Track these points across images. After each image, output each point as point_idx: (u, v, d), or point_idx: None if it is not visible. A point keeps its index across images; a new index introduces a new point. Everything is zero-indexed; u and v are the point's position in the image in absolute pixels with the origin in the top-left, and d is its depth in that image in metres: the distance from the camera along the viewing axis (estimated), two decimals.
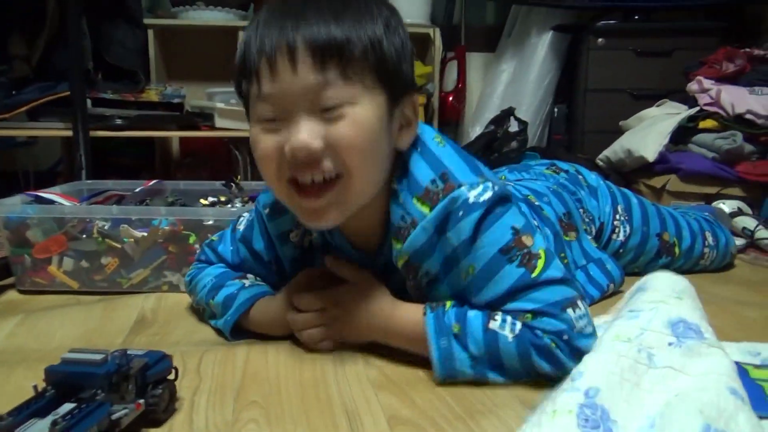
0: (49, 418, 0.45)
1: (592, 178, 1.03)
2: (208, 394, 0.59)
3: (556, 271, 0.61)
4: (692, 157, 1.61)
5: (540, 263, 0.61)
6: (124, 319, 0.83)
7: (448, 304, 0.64)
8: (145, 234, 0.94)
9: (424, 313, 0.63)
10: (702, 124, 1.66)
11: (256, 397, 0.59)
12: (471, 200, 0.61)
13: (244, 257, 0.79)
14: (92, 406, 0.47)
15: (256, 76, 0.59)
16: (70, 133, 1.58)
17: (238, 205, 1.13)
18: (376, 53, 0.59)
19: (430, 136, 0.68)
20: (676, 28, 2.09)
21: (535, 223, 0.78)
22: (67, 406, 0.47)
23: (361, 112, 0.58)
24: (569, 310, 0.59)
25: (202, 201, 1.15)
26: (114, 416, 0.48)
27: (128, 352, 0.54)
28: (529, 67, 2.29)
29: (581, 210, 0.95)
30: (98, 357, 0.51)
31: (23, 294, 0.95)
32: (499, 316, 0.61)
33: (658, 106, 1.87)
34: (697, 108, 1.68)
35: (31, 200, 1.02)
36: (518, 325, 0.59)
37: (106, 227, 0.94)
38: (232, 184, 1.21)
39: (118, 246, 0.94)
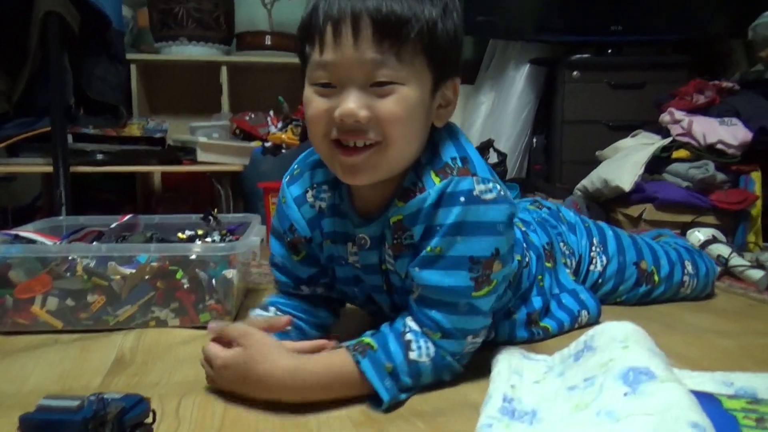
0: None
1: (570, 215, 1.07)
2: (188, 430, 0.59)
3: (488, 303, 0.69)
4: (667, 186, 1.65)
5: (486, 290, 0.68)
6: (102, 359, 0.82)
7: (368, 341, 0.67)
8: (133, 271, 0.94)
9: (357, 361, 0.64)
10: (675, 154, 1.71)
11: None
12: (475, 192, 0.66)
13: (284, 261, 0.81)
14: None
15: (319, 41, 0.63)
16: (50, 169, 1.57)
17: (217, 238, 1.14)
18: (431, 36, 0.63)
19: (461, 132, 0.74)
20: (648, 62, 2.16)
21: (524, 245, 0.86)
22: None
23: (407, 92, 0.63)
24: (469, 337, 0.69)
25: (180, 235, 1.15)
26: None
27: (105, 397, 0.53)
28: (507, 99, 2.34)
29: (562, 243, 0.99)
30: (74, 403, 0.50)
31: (1, 335, 0.93)
32: (413, 342, 0.67)
33: (632, 136, 1.92)
34: (670, 138, 1.73)
35: (10, 239, 1.01)
36: (431, 348, 0.67)
37: (91, 265, 0.93)
38: (210, 217, 1.21)
39: (105, 283, 0.94)
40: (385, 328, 0.70)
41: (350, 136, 0.64)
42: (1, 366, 0.80)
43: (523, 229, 0.92)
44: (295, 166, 0.81)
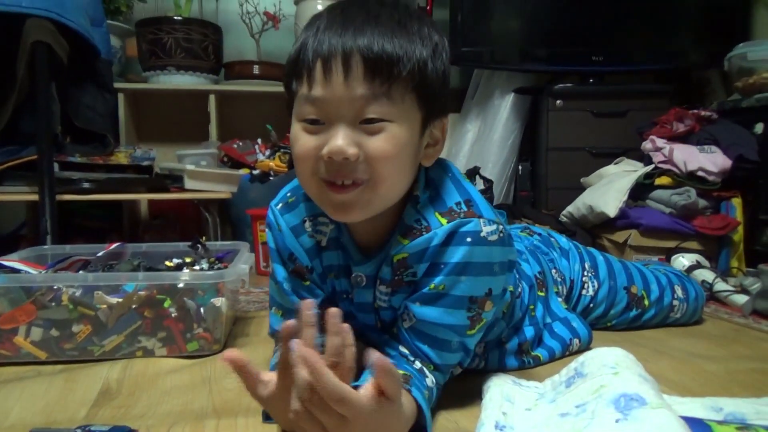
0: None
1: (563, 241, 1.08)
2: None
3: (475, 341, 0.72)
4: (651, 212, 1.68)
5: (477, 327, 0.70)
6: (87, 390, 0.80)
7: (401, 372, 0.65)
8: (120, 300, 0.93)
9: (408, 390, 0.61)
10: (658, 181, 1.74)
11: None
12: (482, 234, 0.66)
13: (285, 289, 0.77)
14: None
15: (308, 77, 0.62)
16: (35, 197, 1.56)
17: (205, 266, 1.13)
18: (421, 76, 0.63)
19: (457, 171, 0.74)
20: (629, 91, 2.21)
21: (517, 276, 0.87)
22: None
23: (397, 130, 0.62)
24: (453, 370, 0.73)
25: (168, 263, 1.14)
26: None
27: (92, 429, 0.52)
28: (493, 127, 2.38)
29: (554, 270, 0.99)
30: None
31: None
32: (425, 369, 0.68)
33: (616, 163, 1.96)
34: (652, 165, 1.76)
35: None
36: (434, 378, 0.68)
37: (77, 294, 0.92)
38: (198, 245, 1.20)
39: (92, 313, 0.92)
40: (405, 367, 0.68)
41: (338, 176, 0.63)
42: None
43: (516, 259, 0.92)
44: (288, 194, 0.78)
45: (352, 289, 0.76)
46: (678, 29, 2.24)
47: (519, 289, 0.87)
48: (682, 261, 1.46)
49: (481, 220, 0.67)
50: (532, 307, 0.90)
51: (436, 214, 0.68)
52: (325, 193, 0.65)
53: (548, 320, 0.93)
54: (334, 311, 0.56)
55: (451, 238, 0.66)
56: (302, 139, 0.64)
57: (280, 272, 0.77)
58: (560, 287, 0.99)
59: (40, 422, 0.70)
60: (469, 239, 0.66)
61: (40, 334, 0.92)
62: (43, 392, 0.80)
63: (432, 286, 0.67)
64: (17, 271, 1.00)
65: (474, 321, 0.69)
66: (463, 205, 0.68)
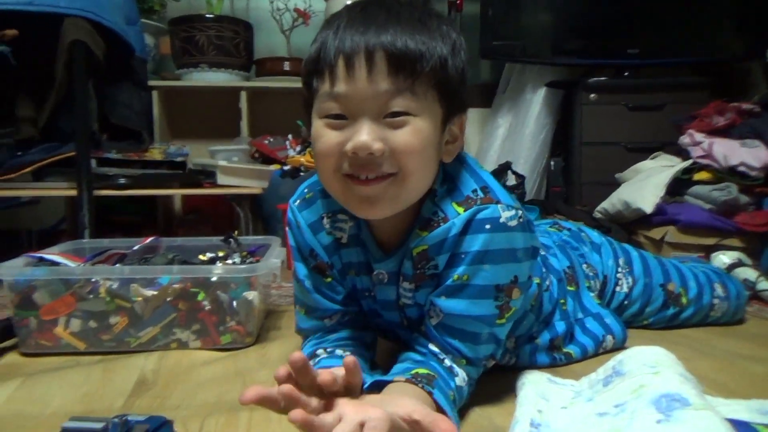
0: None
1: (595, 235, 1.06)
2: None
3: (506, 330, 0.70)
4: (689, 208, 1.63)
5: (507, 315, 0.69)
6: (124, 380, 0.82)
7: (426, 371, 0.64)
8: (155, 292, 0.94)
9: (429, 392, 0.61)
10: (697, 176, 1.69)
11: None
12: (501, 219, 0.65)
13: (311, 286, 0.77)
14: None
15: (330, 74, 0.62)
16: (74, 192, 1.60)
17: (237, 260, 1.14)
18: (442, 72, 0.63)
19: (473, 160, 0.73)
20: (666, 84, 2.15)
21: (544, 269, 0.85)
22: None
23: (421, 124, 0.62)
24: (485, 362, 0.71)
25: (201, 257, 1.16)
26: None
27: (129, 419, 0.53)
28: (524, 121, 2.34)
29: (585, 265, 0.97)
30: (98, 426, 0.50)
31: (25, 356, 0.94)
32: (454, 368, 0.67)
33: (652, 158, 1.91)
34: (691, 161, 1.71)
35: (35, 261, 1.02)
36: (464, 375, 0.67)
37: (114, 287, 0.94)
38: (230, 239, 1.22)
39: (128, 305, 0.94)
40: (415, 356, 0.68)
41: (363, 170, 0.62)
42: (24, 387, 0.80)
43: (543, 253, 0.91)
44: (306, 190, 0.78)
45: (374, 287, 0.75)
46: (717, 19, 2.17)
47: (547, 282, 0.85)
48: (723, 259, 1.41)
49: (499, 205, 0.66)
50: (562, 301, 0.88)
51: (453, 204, 0.68)
52: (350, 188, 0.64)
53: (580, 315, 0.90)
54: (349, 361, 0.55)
55: (469, 226, 0.66)
56: (325, 136, 0.63)
57: (302, 270, 0.77)
58: (593, 282, 0.97)
59: (79, 411, 0.71)
60: (488, 226, 0.65)
61: (79, 325, 0.94)
62: (82, 382, 0.82)
63: (455, 277, 0.66)
64: (57, 264, 1.02)
65: (503, 310, 0.68)
66: (479, 192, 0.68)
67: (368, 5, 0.64)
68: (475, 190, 0.68)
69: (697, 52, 2.18)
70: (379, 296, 0.75)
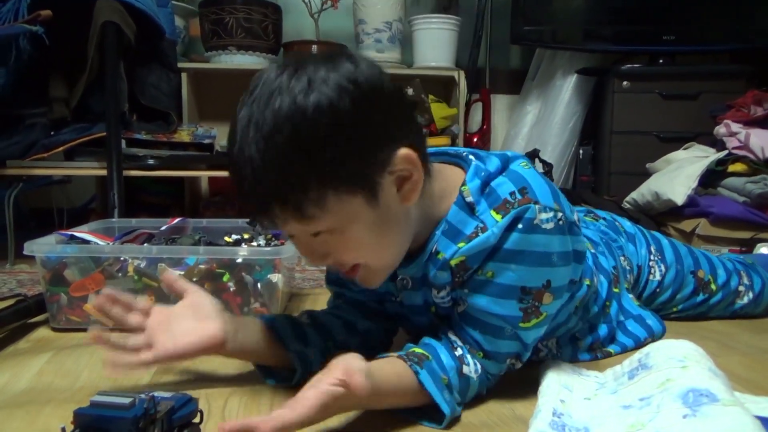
0: None
1: (628, 225, 1.03)
2: None
3: (533, 335, 0.67)
4: (722, 201, 1.59)
5: (534, 321, 0.66)
6: None
7: (421, 351, 0.65)
8: (182, 272, 0.95)
9: (415, 371, 0.62)
10: (731, 168, 1.65)
11: None
12: (535, 221, 0.63)
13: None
14: None
15: None
16: (104, 172, 1.63)
17: (262, 242, 1.15)
18: (313, 184, 0.57)
19: (518, 162, 0.68)
20: (702, 72, 2.09)
21: (594, 269, 0.82)
22: None
23: (342, 235, 0.60)
24: (509, 360, 0.68)
25: (227, 238, 1.17)
26: None
27: (155, 396, 0.54)
28: (553, 109, 2.30)
29: (622, 257, 0.95)
30: (126, 401, 0.51)
31: (55, 331, 0.96)
32: (465, 357, 0.66)
33: (685, 149, 1.86)
34: (726, 151, 1.66)
35: (66, 239, 1.04)
36: (477, 365, 0.66)
37: (142, 265, 0.96)
38: (256, 222, 1.22)
39: (155, 284, 0.96)
40: (430, 340, 0.68)
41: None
42: (55, 361, 0.82)
43: (593, 250, 0.87)
44: None
45: (399, 292, 0.74)
46: (756, 5, 2.09)
47: (596, 283, 0.82)
48: (765, 251, 1.37)
49: (537, 206, 0.63)
50: (608, 303, 0.85)
51: (492, 211, 0.64)
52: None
53: (621, 318, 0.89)
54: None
55: (509, 230, 0.63)
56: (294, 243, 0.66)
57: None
58: (629, 276, 0.95)
59: (107, 386, 0.73)
60: (520, 226, 0.62)
61: None
62: None
63: (480, 272, 0.64)
64: (87, 242, 1.04)
65: (528, 314, 0.65)
66: (517, 194, 0.64)
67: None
68: (513, 193, 0.64)
69: (735, 39, 2.11)
70: (406, 301, 0.75)
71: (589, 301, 0.81)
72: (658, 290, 0.99)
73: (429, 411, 0.63)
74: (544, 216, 0.63)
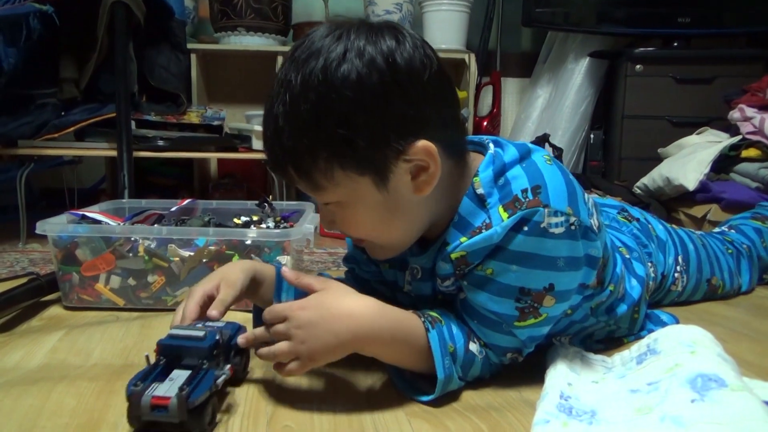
0: (174, 384, 0.54)
1: (660, 229, 1.00)
2: (242, 417, 0.60)
3: (528, 333, 0.66)
4: (735, 186, 1.57)
5: (531, 321, 0.65)
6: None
7: (437, 315, 0.65)
8: (192, 254, 0.96)
9: (427, 329, 0.62)
10: (745, 153, 1.63)
11: (289, 422, 0.59)
12: (543, 225, 0.60)
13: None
14: (203, 374, 0.57)
15: None
16: (114, 153, 1.63)
17: (271, 224, 1.15)
18: (332, 156, 0.58)
19: (539, 153, 0.67)
20: (717, 56, 2.06)
21: (625, 274, 0.80)
22: (179, 373, 0.56)
23: (348, 210, 0.63)
24: (509, 354, 0.68)
25: (236, 220, 1.17)
26: (218, 380, 0.58)
27: (220, 327, 0.63)
28: (564, 92, 2.28)
29: (649, 263, 0.92)
30: (200, 333, 0.60)
31: (67, 310, 0.98)
32: (473, 335, 0.66)
33: (698, 133, 1.84)
34: (740, 137, 1.64)
35: (77, 219, 1.05)
36: (483, 350, 0.66)
37: (152, 246, 0.96)
38: (265, 203, 1.23)
39: (165, 265, 0.96)
40: (446, 313, 0.67)
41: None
42: (67, 339, 0.83)
43: (627, 256, 0.85)
44: None
45: (408, 282, 0.74)
46: None
47: (622, 289, 0.78)
48: None
49: (546, 209, 0.60)
50: (637, 308, 0.82)
51: (500, 207, 0.62)
52: None
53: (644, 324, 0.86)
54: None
55: (515, 231, 0.61)
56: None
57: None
58: (651, 284, 0.92)
59: (119, 364, 0.74)
60: (526, 228, 0.60)
61: (119, 282, 0.97)
62: (122, 336, 0.85)
63: (480, 267, 0.63)
64: (98, 222, 1.05)
65: (526, 313, 0.64)
66: (529, 193, 0.61)
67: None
68: (525, 190, 0.61)
69: (752, 22, 2.07)
70: (414, 291, 0.74)
71: (614, 303, 0.77)
72: (675, 299, 1.01)
73: (425, 387, 0.63)
74: (553, 220, 0.61)
